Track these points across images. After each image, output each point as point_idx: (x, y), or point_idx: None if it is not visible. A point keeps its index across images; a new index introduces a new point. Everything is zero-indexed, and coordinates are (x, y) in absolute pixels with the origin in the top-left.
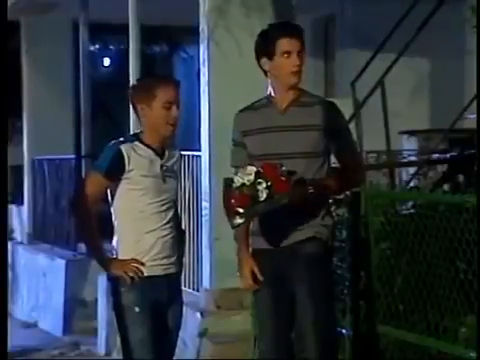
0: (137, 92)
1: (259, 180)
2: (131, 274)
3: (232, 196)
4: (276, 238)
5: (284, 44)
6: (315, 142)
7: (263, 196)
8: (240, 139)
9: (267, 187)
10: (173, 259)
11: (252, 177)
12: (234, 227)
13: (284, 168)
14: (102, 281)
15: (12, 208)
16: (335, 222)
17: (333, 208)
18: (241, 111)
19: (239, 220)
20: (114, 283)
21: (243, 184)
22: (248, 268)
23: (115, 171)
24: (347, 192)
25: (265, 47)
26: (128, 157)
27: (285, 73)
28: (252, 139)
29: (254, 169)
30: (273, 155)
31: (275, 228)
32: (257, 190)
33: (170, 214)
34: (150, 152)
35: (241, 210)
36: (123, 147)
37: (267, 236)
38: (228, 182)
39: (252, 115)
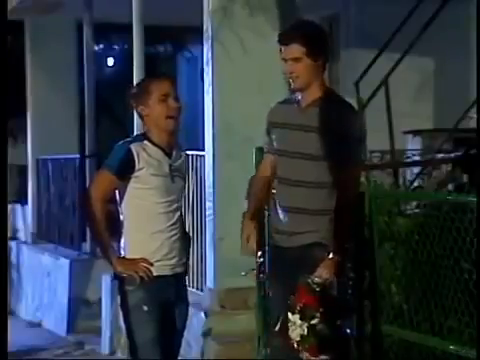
0: (135, 95)
1: (312, 322)
2: (141, 274)
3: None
4: (284, 238)
5: (283, 50)
6: (321, 145)
7: (320, 326)
8: (269, 129)
9: (313, 317)
10: (180, 259)
11: (302, 322)
12: None
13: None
14: (106, 281)
15: (17, 208)
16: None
17: None
18: (277, 103)
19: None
20: (121, 282)
21: (302, 336)
22: (245, 234)
23: (125, 170)
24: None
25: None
26: (138, 156)
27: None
28: (274, 132)
29: (297, 316)
30: (286, 152)
31: (283, 230)
32: (316, 327)
33: (177, 215)
34: (159, 151)
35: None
36: (133, 146)
37: (277, 234)
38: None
39: (282, 109)
